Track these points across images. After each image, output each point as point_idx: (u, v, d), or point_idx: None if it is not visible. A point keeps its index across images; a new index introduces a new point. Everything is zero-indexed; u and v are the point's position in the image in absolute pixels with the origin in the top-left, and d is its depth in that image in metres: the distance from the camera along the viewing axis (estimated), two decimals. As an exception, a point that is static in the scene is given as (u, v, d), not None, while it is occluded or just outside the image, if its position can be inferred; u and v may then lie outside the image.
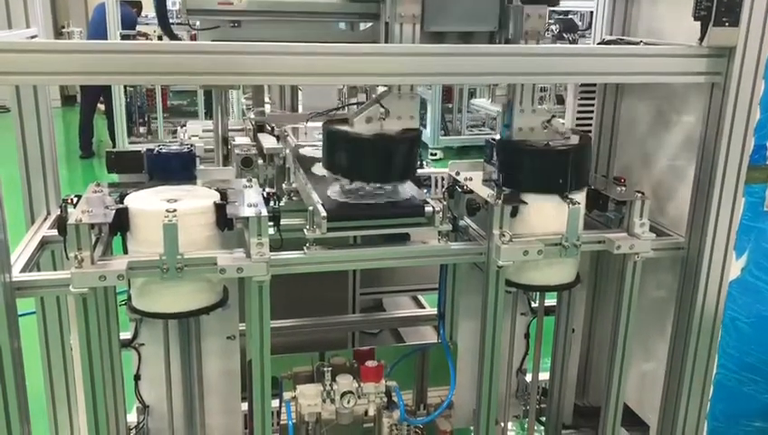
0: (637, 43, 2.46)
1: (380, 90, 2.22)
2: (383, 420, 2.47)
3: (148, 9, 9.01)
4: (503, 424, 2.67)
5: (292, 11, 2.28)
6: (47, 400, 2.66)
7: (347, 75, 2.05)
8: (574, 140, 2.29)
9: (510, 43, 2.21)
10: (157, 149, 2.31)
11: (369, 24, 2.34)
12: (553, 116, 2.29)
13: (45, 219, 2.45)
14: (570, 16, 7.95)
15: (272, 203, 2.12)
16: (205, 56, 1.88)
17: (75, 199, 2.10)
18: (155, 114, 9.31)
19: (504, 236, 2.15)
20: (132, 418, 2.36)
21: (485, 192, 2.27)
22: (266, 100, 3.43)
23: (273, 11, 2.27)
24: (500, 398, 2.51)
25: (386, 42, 2.14)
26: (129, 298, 2.11)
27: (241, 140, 2.98)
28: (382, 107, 2.14)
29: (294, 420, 2.35)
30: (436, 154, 9.15)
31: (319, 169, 2.39)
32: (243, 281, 2.07)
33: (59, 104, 12.08)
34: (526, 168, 2.25)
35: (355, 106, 2.39)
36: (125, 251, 2.06)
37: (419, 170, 2.76)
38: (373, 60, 1.99)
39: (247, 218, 1.98)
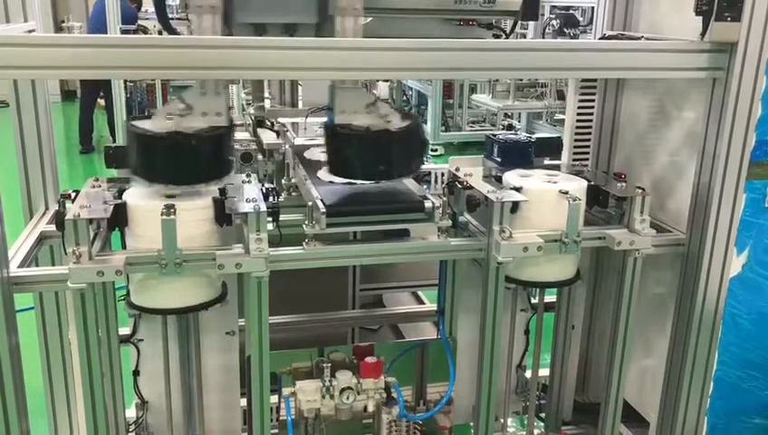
0: (638, 39, 2.45)
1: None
2: (382, 416, 2.47)
3: (149, 4, 8.99)
4: (502, 420, 2.66)
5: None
6: (46, 395, 2.66)
7: (344, 71, 2.04)
8: (399, 123, 2.16)
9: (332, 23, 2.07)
10: (155, 144, 2.30)
11: (370, 18, 2.33)
12: (377, 99, 2.18)
13: (44, 214, 2.44)
14: (571, 12, 7.93)
15: (271, 198, 2.11)
16: (204, 51, 1.88)
17: (73, 194, 2.10)
18: (155, 109, 9.29)
19: (503, 232, 2.14)
20: (131, 413, 2.36)
21: (485, 188, 2.27)
22: (266, 95, 3.41)
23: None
24: (500, 394, 2.51)
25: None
26: (128, 293, 2.10)
27: (240, 135, 2.97)
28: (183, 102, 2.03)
29: (293, 416, 2.35)
30: (436, 150, 9.14)
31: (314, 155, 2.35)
32: (242, 277, 2.07)
33: (59, 99, 12.06)
34: (346, 154, 2.15)
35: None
36: (123, 246, 2.06)
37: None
38: (369, 55, 1.99)
39: (246, 214, 1.98)
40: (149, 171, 2.03)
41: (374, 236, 2.22)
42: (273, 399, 2.30)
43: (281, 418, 2.38)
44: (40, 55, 1.78)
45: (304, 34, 2.15)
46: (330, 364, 2.35)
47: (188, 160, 2.02)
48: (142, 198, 2.02)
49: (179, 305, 2.06)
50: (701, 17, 2.15)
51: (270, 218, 2.05)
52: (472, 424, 2.53)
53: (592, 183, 2.38)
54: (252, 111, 3.15)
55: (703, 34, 2.17)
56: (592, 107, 2.81)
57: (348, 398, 2.34)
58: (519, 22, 2.51)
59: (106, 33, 7.79)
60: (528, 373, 2.70)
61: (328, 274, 2.46)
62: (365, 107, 2.14)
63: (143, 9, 9.36)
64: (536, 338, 2.59)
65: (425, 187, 2.39)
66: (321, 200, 2.10)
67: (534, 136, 2.67)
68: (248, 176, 2.28)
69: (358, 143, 2.12)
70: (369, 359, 2.38)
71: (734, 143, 2.23)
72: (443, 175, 2.98)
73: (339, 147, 2.17)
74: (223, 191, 2.11)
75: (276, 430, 2.41)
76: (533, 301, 2.65)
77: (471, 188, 2.32)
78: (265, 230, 1.98)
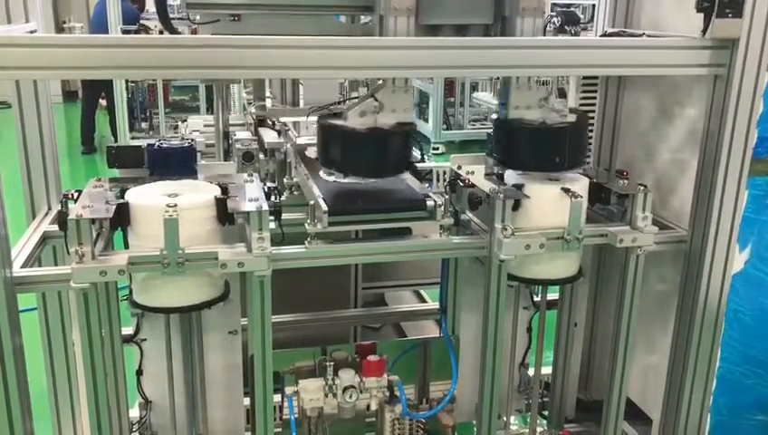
0: (639, 36, 2.45)
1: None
2: (385, 415, 2.47)
3: (151, 5, 9.00)
4: (505, 418, 2.67)
5: (290, 4, 2.26)
6: (50, 395, 2.66)
7: (345, 69, 2.04)
8: (571, 117, 2.29)
9: (507, 22, 2.19)
10: (157, 143, 2.31)
11: (370, 18, 2.33)
12: (550, 93, 2.28)
13: (46, 214, 2.44)
14: (572, 9, 7.92)
15: (273, 197, 2.12)
16: (205, 50, 1.88)
17: (76, 194, 2.10)
18: (156, 109, 9.31)
19: (505, 229, 2.14)
20: (134, 413, 2.36)
21: (487, 186, 2.27)
22: (267, 94, 3.42)
23: (272, 4, 2.26)
24: (502, 392, 2.51)
25: (380, 35, 2.13)
26: (131, 293, 2.11)
27: (242, 134, 2.98)
28: (377, 101, 2.12)
29: (296, 415, 2.36)
30: (438, 148, 9.13)
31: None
32: (244, 276, 2.07)
33: (60, 100, 12.06)
34: (522, 146, 2.27)
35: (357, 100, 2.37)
36: (126, 246, 2.06)
37: (421, 164, 2.75)
38: (370, 53, 1.99)
39: (248, 213, 1.98)
40: (350, 165, 2.16)
41: (376, 235, 2.23)
42: (277, 398, 2.30)
43: (284, 417, 2.38)
44: (41, 56, 1.78)
45: (476, 35, 2.22)
46: (332, 363, 2.35)
47: (387, 154, 2.17)
48: (144, 198, 2.02)
49: (182, 304, 2.06)
50: (702, 14, 2.15)
51: (272, 217, 2.05)
52: (475, 422, 2.53)
53: (594, 180, 2.38)
54: (253, 111, 3.15)
55: (704, 31, 2.16)
56: (594, 104, 2.80)
57: (351, 396, 2.34)
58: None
59: (107, 33, 7.81)
60: (531, 371, 2.70)
61: (330, 272, 2.46)
62: (538, 102, 2.27)
63: (146, 9, 9.36)
64: (539, 336, 2.59)
65: (426, 185, 2.39)
66: (324, 199, 2.10)
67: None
68: (250, 175, 2.29)
69: (535, 136, 2.25)
70: (371, 357, 2.38)
71: (736, 140, 2.23)
72: (445, 173, 2.98)
73: (516, 140, 2.28)
74: (225, 190, 2.11)
75: (279, 429, 2.41)
76: (536, 299, 2.65)
77: (473, 186, 2.32)
78: (268, 229, 1.99)
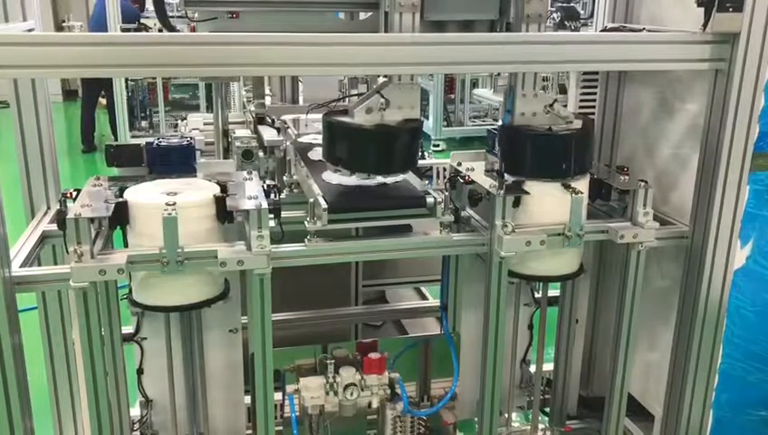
0: (639, 31, 2.44)
1: (381, 80, 2.21)
2: (387, 412, 2.47)
3: (150, 3, 8.99)
4: (506, 415, 2.66)
5: (289, 1, 2.26)
6: (50, 395, 2.66)
7: (347, 65, 2.03)
8: (577, 124, 2.28)
9: (511, 29, 2.19)
10: (156, 142, 2.30)
11: (369, 14, 2.32)
12: (555, 100, 2.27)
13: (45, 214, 2.44)
14: (572, 4, 7.91)
15: (272, 195, 2.11)
16: (204, 47, 1.87)
17: (75, 193, 2.10)
18: (156, 108, 9.31)
19: (506, 226, 2.14)
20: (135, 412, 2.36)
21: (487, 183, 2.26)
22: (267, 92, 3.41)
23: (271, 1, 2.25)
24: (504, 389, 2.50)
25: (385, 31, 2.12)
26: (130, 292, 2.10)
27: (241, 132, 2.97)
28: (383, 97, 2.12)
29: (297, 413, 2.35)
30: (438, 145, 9.13)
31: (317, 154, 2.37)
32: (244, 274, 2.07)
33: (60, 99, 12.06)
34: (528, 153, 2.24)
35: (356, 97, 2.37)
36: (125, 245, 2.06)
37: (421, 161, 2.74)
38: (373, 49, 1.98)
39: (248, 211, 1.97)
40: (356, 161, 2.16)
41: (376, 232, 2.22)
42: (277, 396, 2.30)
43: (285, 415, 2.38)
44: (40, 54, 1.77)
45: (480, 31, 2.23)
46: (333, 361, 2.34)
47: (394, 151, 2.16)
48: (143, 196, 2.02)
49: (182, 303, 2.05)
50: (703, 8, 2.14)
51: (272, 215, 2.05)
52: (476, 419, 2.53)
53: (595, 176, 2.37)
54: (253, 108, 3.15)
55: (705, 26, 2.15)
56: (594, 100, 2.80)
57: (352, 394, 2.34)
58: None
59: (107, 32, 7.81)
60: (532, 368, 2.70)
61: (330, 270, 2.46)
62: (544, 108, 2.25)
63: (146, 7, 9.35)
64: (540, 333, 2.59)
65: (426, 182, 2.38)
66: (323, 197, 2.09)
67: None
68: (249, 173, 2.28)
69: (543, 143, 2.22)
70: (372, 355, 2.38)
71: (737, 135, 2.22)
72: (445, 170, 2.98)
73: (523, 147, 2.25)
74: (224, 188, 2.10)
75: (280, 428, 2.41)
76: (537, 295, 2.65)
77: (473, 182, 2.31)
78: (267, 227, 1.98)
